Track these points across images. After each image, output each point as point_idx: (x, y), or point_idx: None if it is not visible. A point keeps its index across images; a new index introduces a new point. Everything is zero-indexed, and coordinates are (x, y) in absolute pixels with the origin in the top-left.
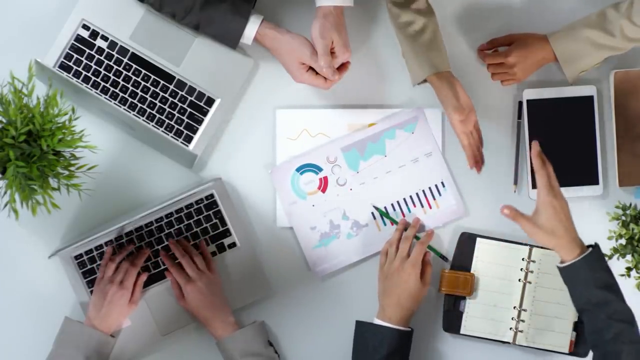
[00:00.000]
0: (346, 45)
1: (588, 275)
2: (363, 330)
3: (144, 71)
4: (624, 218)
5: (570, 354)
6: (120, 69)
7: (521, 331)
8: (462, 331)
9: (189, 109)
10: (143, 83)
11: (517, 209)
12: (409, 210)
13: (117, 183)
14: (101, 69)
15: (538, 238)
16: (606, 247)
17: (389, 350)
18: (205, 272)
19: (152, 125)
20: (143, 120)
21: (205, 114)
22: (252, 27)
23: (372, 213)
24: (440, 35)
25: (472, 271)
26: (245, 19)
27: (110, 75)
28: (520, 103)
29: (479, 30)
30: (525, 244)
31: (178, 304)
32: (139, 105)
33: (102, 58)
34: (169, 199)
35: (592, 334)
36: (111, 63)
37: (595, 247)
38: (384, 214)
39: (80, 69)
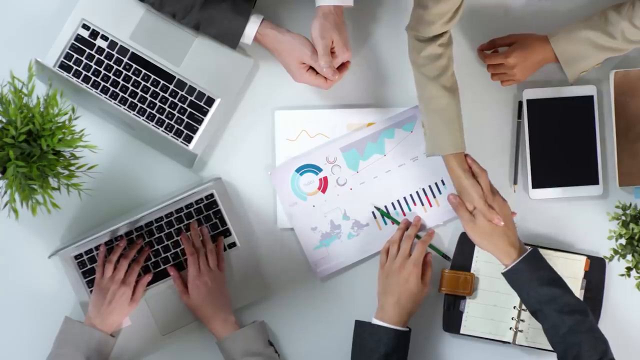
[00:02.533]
0: (346, 45)
1: (531, 276)
2: (361, 330)
3: (144, 71)
4: (624, 218)
5: None
6: (120, 68)
7: (521, 331)
8: (462, 331)
9: (189, 109)
10: (143, 83)
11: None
12: (410, 209)
13: (117, 183)
14: (101, 69)
15: (475, 238)
16: (606, 247)
17: (386, 350)
18: (215, 269)
19: (152, 125)
20: (143, 119)
21: (205, 113)
22: (252, 27)
23: (373, 212)
24: (461, 114)
25: (472, 271)
26: (245, 18)
27: (110, 75)
28: (520, 103)
29: (479, 31)
30: (525, 244)
31: (180, 299)
32: (139, 105)
33: (102, 58)
34: (169, 199)
35: (549, 332)
36: (111, 63)
37: (533, 248)
38: (385, 214)
39: (80, 69)
